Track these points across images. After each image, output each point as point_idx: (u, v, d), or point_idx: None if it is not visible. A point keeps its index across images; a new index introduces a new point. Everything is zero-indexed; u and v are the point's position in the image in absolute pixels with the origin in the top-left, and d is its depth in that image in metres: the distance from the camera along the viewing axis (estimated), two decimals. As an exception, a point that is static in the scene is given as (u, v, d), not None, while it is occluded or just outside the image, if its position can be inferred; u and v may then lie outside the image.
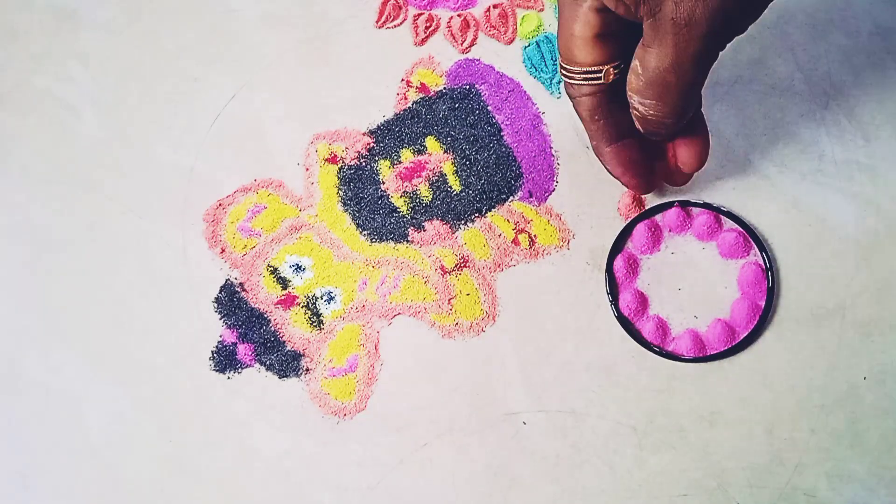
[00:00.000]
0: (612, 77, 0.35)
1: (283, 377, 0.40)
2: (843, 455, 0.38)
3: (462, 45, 0.44)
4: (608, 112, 0.36)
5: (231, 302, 0.41)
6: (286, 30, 0.45)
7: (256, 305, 0.41)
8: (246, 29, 0.45)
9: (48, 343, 0.41)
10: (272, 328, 0.40)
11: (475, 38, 0.44)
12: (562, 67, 0.36)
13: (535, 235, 0.41)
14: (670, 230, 0.41)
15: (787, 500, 0.38)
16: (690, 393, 0.39)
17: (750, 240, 0.40)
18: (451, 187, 0.42)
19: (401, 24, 0.45)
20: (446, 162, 0.42)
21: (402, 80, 0.44)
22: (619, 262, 0.40)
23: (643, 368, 0.39)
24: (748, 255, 0.40)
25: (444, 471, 0.39)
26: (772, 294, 0.39)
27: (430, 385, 0.39)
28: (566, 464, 0.38)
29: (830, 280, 0.40)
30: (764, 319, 0.39)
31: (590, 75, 0.35)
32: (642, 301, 0.40)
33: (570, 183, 0.42)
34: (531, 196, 0.42)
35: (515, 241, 0.41)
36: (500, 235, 0.41)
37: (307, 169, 0.43)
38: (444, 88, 0.43)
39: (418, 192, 0.42)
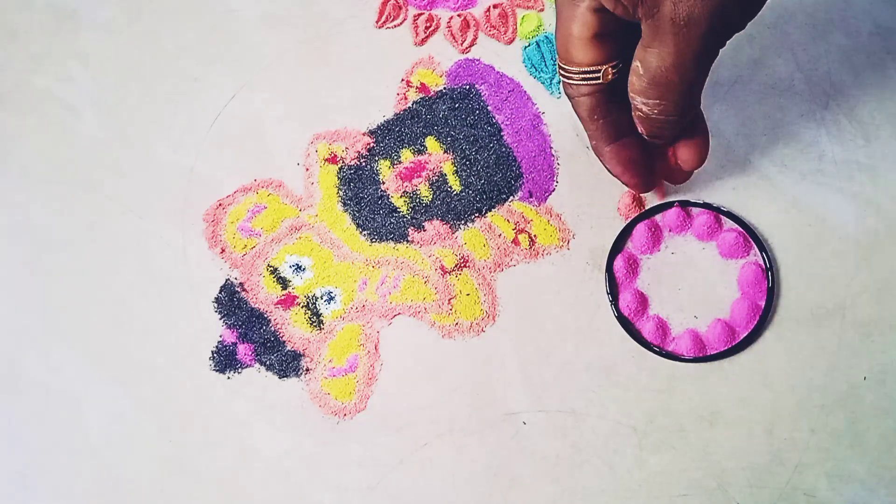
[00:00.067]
0: (610, 77, 0.35)
1: (283, 377, 0.40)
2: (843, 455, 0.38)
3: (462, 45, 0.44)
4: (607, 111, 0.36)
5: (231, 302, 0.41)
6: (286, 30, 0.45)
7: (256, 305, 0.41)
8: (246, 29, 0.45)
9: (48, 343, 0.41)
10: (272, 328, 0.40)
11: (475, 38, 0.44)
12: (560, 68, 0.36)
13: (535, 235, 0.41)
14: (670, 230, 0.41)
15: (787, 500, 0.38)
16: (690, 393, 0.39)
17: (750, 240, 0.40)
18: (451, 187, 0.42)
19: (401, 24, 0.45)
20: (446, 162, 0.42)
21: (402, 80, 0.44)
22: (619, 262, 0.40)
23: (643, 368, 0.39)
24: (748, 255, 0.40)
25: (444, 471, 0.39)
26: (772, 294, 0.39)
27: (430, 385, 0.39)
28: (566, 464, 0.38)
29: (830, 280, 0.40)
30: (764, 319, 0.39)
31: (588, 75, 0.35)
32: (642, 301, 0.40)
33: (570, 183, 0.42)
34: (531, 196, 0.42)
35: (515, 241, 0.41)
36: (500, 235, 0.41)
37: (307, 169, 0.43)
38: (444, 88, 0.43)
39: (418, 192, 0.42)
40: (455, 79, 0.44)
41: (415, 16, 0.45)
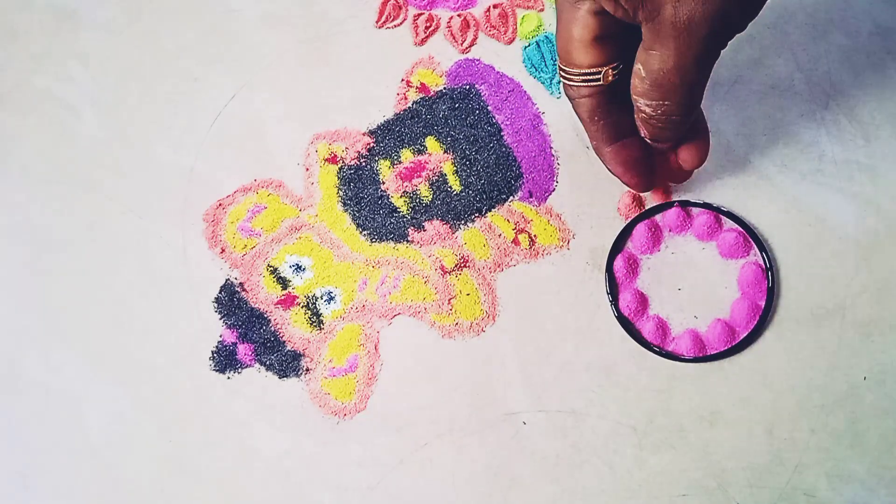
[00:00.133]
0: (610, 78, 0.35)
1: (283, 377, 0.40)
2: (843, 455, 0.38)
3: (462, 45, 0.44)
4: (607, 112, 0.36)
5: (231, 302, 0.41)
6: (286, 30, 0.45)
7: (256, 305, 0.41)
8: (246, 29, 0.45)
9: (48, 343, 0.41)
10: (272, 328, 0.40)
11: (475, 38, 0.44)
12: (561, 69, 0.36)
13: (535, 235, 0.41)
14: (670, 230, 0.41)
15: (787, 500, 0.38)
16: (690, 393, 0.39)
17: (750, 240, 0.40)
18: (451, 187, 0.42)
19: (401, 24, 0.45)
20: (446, 162, 0.42)
21: (402, 80, 0.44)
22: (619, 262, 0.40)
23: (643, 368, 0.39)
24: (748, 255, 0.40)
25: (444, 471, 0.39)
26: (772, 294, 0.39)
27: (430, 385, 0.39)
28: (566, 464, 0.38)
29: (830, 280, 0.40)
30: (764, 319, 0.39)
31: (588, 77, 0.35)
32: (642, 301, 0.40)
33: (570, 183, 0.42)
34: (531, 196, 0.42)
35: (515, 241, 0.41)
36: (500, 235, 0.41)
37: (307, 169, 0.43)
38: (444, 88, 0.43)
39: (418, 192, 0.42)
40: (455, 79, 0.44)
41: (415, 16, 0.45)
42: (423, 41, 0.44)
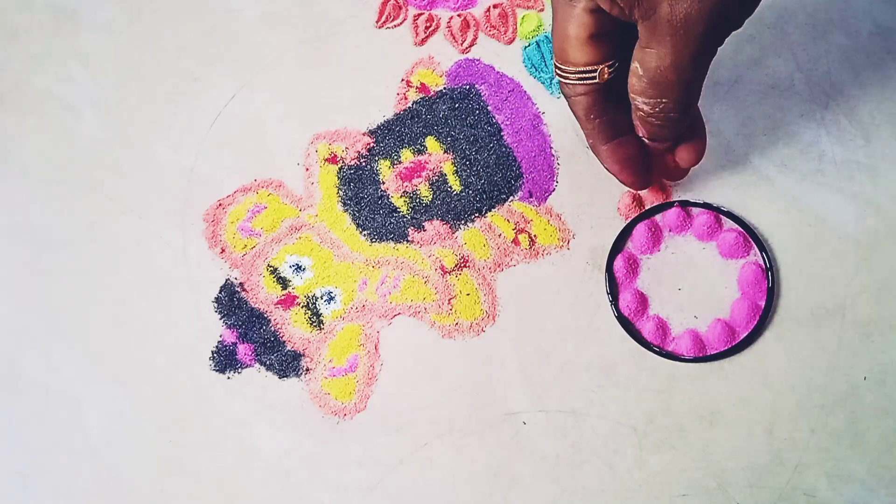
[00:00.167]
0: (606, 76, 0.35)
1: (283, 377, 0.40)
2: (843, 455, 0.38)
3: (462, 45, 0.44)
4: (603, 111, 0.36)
5: (231, 302, 0.41)
6: (286, 30, 0.45)
7: (256, 305, 0.41)
8: (246, 29, 0.45)
9: (48, 343, 0.41)
10: (272, 328, 0.40)
11: (475, 38, 0.44)
12: (556, 67, 0.36)
13: (535, 235, 0.41)
14: (670, 230, 0.41)
15: (787, 500, 0.38)
16: (690, 393, 0.39)
17: (750, 240, 0.40)
18: (451, 187, 0.42)
19: (401, 24, 0.45)
20: (446, 162, 0.42)
21: (402, 80, 0.44)
22: (619, 262, 0.40)
23: (643, 368, 0.39)
24: (748, 255, 0.40)
25: (444, 471, 0.39)
26: (772, 294, 0.39)
27: (430, 385, 0.39)
28: (566, 464, 0.38)
29: (830, 280, 0.40)
30: (764, 319, 0.39)
31: (584, 75, 0.35)
32: (642, 301, 0.40)
33: (570, 183, 0.42)
34: (531, 196, 0.42)
35: (515, 241, 0.41)
36: (500, 235, 0.41)
37: (307, 169, 0.43)
38: (444, 88, 0.43)
39: (418, 192, 0.42)
40: (455, 79, 0.44)
41: (415, 16, 0.45)
42: (423, 41, 0.44)
